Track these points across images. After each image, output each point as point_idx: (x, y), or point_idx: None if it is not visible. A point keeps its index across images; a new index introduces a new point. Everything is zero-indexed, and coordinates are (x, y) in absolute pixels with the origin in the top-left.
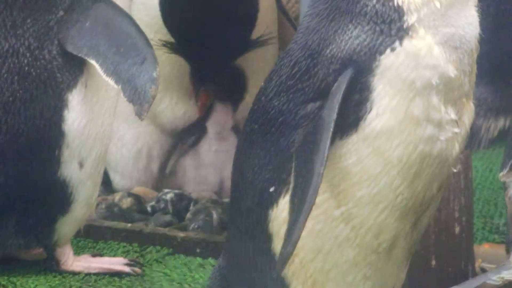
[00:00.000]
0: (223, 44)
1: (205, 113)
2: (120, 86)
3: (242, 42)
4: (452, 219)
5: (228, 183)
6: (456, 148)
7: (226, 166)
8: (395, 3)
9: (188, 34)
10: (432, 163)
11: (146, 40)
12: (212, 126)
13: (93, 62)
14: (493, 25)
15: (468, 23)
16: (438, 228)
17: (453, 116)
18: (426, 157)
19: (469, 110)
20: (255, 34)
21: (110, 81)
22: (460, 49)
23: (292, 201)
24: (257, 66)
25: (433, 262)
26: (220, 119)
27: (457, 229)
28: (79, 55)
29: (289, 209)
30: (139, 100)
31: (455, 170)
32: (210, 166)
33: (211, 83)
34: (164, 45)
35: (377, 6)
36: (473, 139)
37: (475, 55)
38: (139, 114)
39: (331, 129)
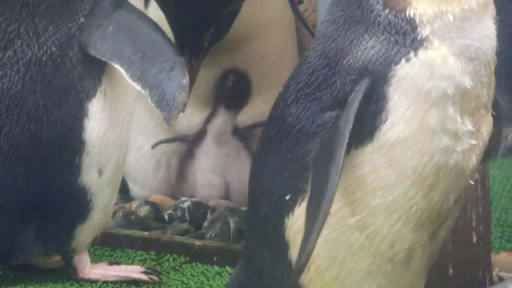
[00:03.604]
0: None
1: (207, 116)
2: (147, 91)
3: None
4: (469, 228)
5: (233, 187)
6: (473, 160)
7: (228, 171)
8: (407, 15)
9: None
10: (448, 174)
11: (174, 47)
12: (212, 130)
13: (117, 66)
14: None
15: (484, 35)
16: (455, 237)
17: (470, 127)
18: (441, 168)
19: (487, 122)
20: None
21: (137, 86)
22: (476, 61)
23: (307, 211)
24: (261, 70)
25: (451, 271)
26: (221, 123)
27: (474, 238)
28: (103, 59)
29: (305, 219)
30: (168, 106)
31: (472, 182)
32: (211, 170)
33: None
34: None
35: (389, 16)
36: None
37: (493, 67)
38: (168, 120)
39: (346, 140)
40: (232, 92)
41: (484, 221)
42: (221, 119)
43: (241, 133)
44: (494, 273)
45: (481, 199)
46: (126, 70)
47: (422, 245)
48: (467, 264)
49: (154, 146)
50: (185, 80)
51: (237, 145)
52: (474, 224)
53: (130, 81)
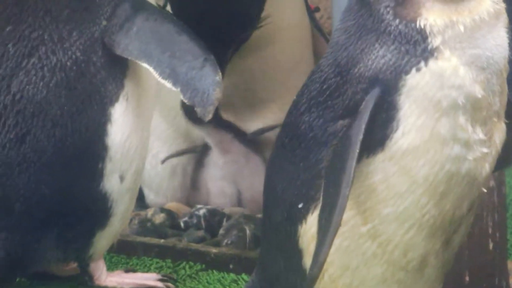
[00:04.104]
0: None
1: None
2: (179, 89)
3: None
4: (485, 235)
5: (245, 194)
6: (486, 168)
7: (239, 177)
8: (417, 25)
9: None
10: (460, 183)
11: (204, 46)
12: (211, 140)
13: (145, 65)
14: None
15: (496, 44)
16: (471, 244)
17: (481, 136)
18: (453, 177)
19: (500, 130)
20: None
21: (167, 84)
22: (488, 70)
23: (320, 221)
24: (277, 76)
25: (467, 278)
26: (216, 132)
27: (490, 245)
28: (129, 58)
29: (317, 229)
30: (202, 102)
31: (485, 190)
32: (222, 178)
33: None
34: None
35: (400, 26)
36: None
37: (505, 75)
38: (204, 116)
39: (357, 151)
40: None
41: (500, 229)
42: (216, 129)
43: (249, 139)
44: (510, 281)
45: (497, 206)
46: (155, 69)
47: (435, 253)
48: (483, 271)
49: (164, 161)
50: (218, 77)
51: (245, 151)
52: (490, 231)
53: (160, 79)
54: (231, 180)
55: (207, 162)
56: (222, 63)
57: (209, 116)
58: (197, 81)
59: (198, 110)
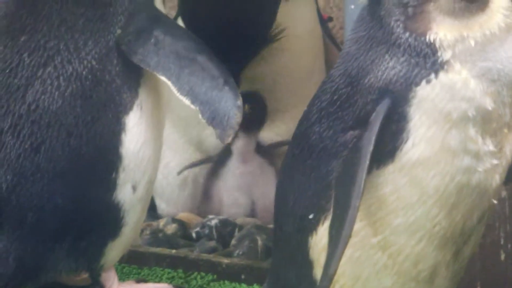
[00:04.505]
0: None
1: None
2: (197, 107)
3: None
4: (497, 246)
5: (258, 204)
6: (497, 179)
7: (253, 188)
8: (427, 39)
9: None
10: (471, 194)
11: (223, 68)
12: (235, 150)
13: (163, 78)
14: None
15: (507, 56)
16: (483, 255)
17: (491, 147)
18: (464, 188)
19: (510, 141)
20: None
21: (186, 101)
22: (499, 82)
23: (330, 232)
24: (289, 86)
25: None
26: (243, 144)
27: (502, 256)
28: (147, 68)
29: (328, 240)
30: (222, 125)
31: (495, 202)
32: (237, 189)
33: None
34: None
35: (410, 40)
36: None
37: None
38: (223, 139)
39: (367, 162)
40: (250, 116)
41: None
42: (243, 140)
43: (265, 150)
44: None
45: (509, 217)
46: (173, 84)
47: (446, 264)
48: (495, 282)
49: (180, 172)
50: (239, 101)
51: (261, 162)
52: (502, 242)
53: (178, 95)
54: (246, 190)
55: (222, 172)
56: (237, 80)
57: (228, 140)
58: (217, 102)
59: (217, 132)
